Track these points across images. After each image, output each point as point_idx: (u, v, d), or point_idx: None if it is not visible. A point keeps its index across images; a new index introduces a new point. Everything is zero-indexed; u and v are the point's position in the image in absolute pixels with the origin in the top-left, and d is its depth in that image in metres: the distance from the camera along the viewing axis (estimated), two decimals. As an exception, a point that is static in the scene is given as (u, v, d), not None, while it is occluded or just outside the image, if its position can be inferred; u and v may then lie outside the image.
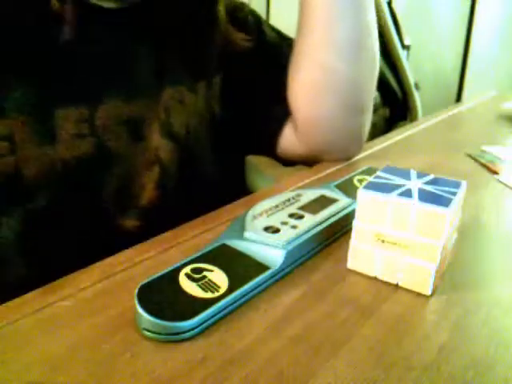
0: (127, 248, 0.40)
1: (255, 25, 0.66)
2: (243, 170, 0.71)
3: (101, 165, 0.49)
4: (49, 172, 0.46)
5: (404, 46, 2.15)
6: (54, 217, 0.47)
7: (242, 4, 0.67)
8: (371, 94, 0.59)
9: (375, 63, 0.58)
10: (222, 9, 0.62)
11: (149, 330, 0.29)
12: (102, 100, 0.48)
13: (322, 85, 0.56)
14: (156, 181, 0.53)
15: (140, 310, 0.30)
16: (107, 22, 0.51)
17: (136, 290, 0.31)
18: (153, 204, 0.53)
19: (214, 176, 0.61)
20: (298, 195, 0.45)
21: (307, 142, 0.60)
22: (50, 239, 0.48)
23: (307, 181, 0.55)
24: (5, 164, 0.44)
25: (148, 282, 0.32)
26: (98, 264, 0.37)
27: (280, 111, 0.61)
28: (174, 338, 0.29)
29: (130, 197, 0.51)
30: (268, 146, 0.64)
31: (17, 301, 0.33)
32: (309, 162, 0.63)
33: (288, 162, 0.66)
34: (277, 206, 0.42)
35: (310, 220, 0.40)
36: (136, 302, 0.30)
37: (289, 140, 0.62)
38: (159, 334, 0.29)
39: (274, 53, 0.65)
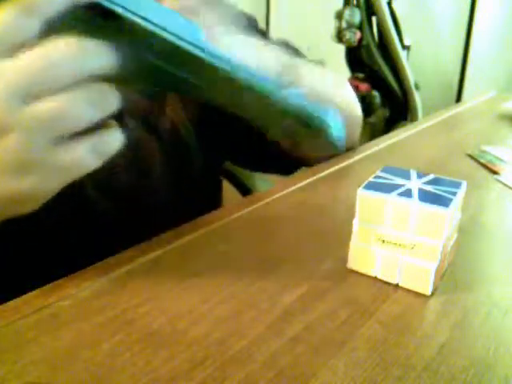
0: (105, 233, 0.39)
1: None
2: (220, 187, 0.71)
3: None
4: None
5: (404, 46, 2.15)
6: None
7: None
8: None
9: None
10: None
11: None
12: None
13: None
14: (137, 168, 0.52)
15: None
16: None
17: None
18: (133, 191, 0.52)
19: (201, 176, 0.61)
20: None
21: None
22: (27, 223, 0.47)
23: (307, 181, 0.55)
24: None
25: None
26: (97, 264, 0.37)
27: None
28: None
29: (110, 181, 0.50)
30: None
31: (17, 301, 0.33)
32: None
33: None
34: None
35: None
36: None
37: None
38: None
39: None
